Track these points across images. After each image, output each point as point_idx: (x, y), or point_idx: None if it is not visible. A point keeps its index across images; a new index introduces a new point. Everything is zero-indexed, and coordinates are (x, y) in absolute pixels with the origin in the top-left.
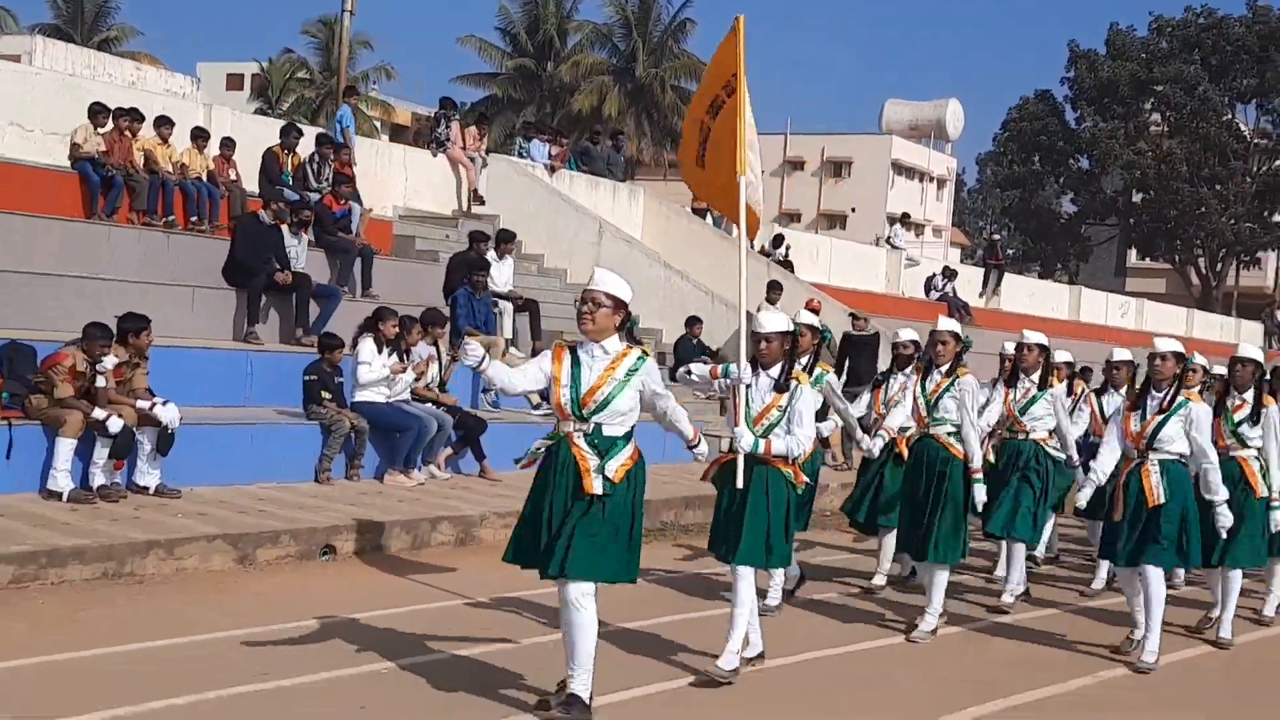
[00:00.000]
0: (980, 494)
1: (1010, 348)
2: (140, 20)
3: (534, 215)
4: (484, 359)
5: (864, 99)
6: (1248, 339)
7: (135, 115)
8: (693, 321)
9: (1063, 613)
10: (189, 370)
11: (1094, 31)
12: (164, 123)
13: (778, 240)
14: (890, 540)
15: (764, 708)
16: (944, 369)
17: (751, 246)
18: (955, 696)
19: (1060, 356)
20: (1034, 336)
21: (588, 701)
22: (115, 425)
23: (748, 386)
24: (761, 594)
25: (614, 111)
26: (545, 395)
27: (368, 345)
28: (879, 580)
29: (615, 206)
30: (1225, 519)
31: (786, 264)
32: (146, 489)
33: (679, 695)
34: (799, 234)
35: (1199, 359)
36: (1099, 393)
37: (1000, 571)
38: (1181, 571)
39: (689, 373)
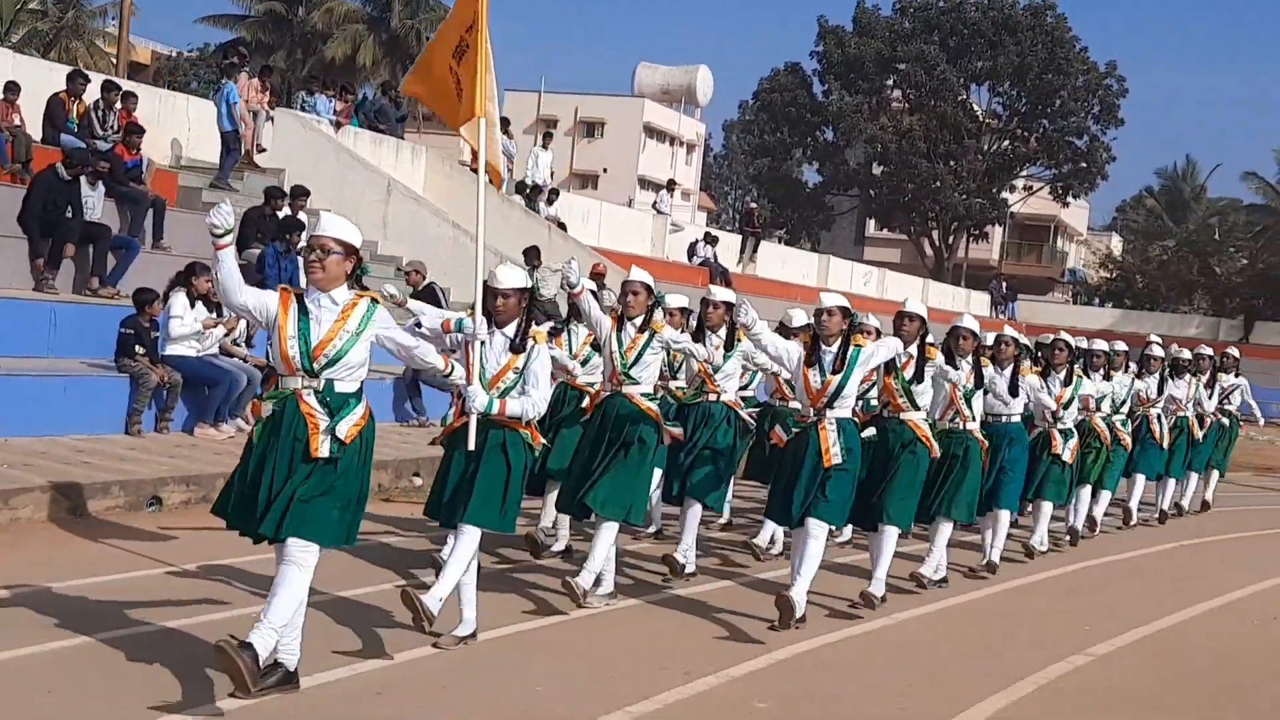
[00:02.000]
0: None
1: (721, 295)
2: None
3: (321, 172)
4: (227, 231)
5: (617, 61)
6: (976, 308)
7: None
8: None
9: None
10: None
11: (843, 8)
12: None
13: (553, 196)
14: (553, 497)
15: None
16: (638, 323)
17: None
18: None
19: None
20: (720, 294)
21: (293, 670)
22: None
23: (482, 344)
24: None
25: (369, 61)
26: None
27: (180, 300)
28: (560, 545)
29: (398, 164)
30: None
31: (560, 224)
32: None
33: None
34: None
35: (1009, 331)
36: None
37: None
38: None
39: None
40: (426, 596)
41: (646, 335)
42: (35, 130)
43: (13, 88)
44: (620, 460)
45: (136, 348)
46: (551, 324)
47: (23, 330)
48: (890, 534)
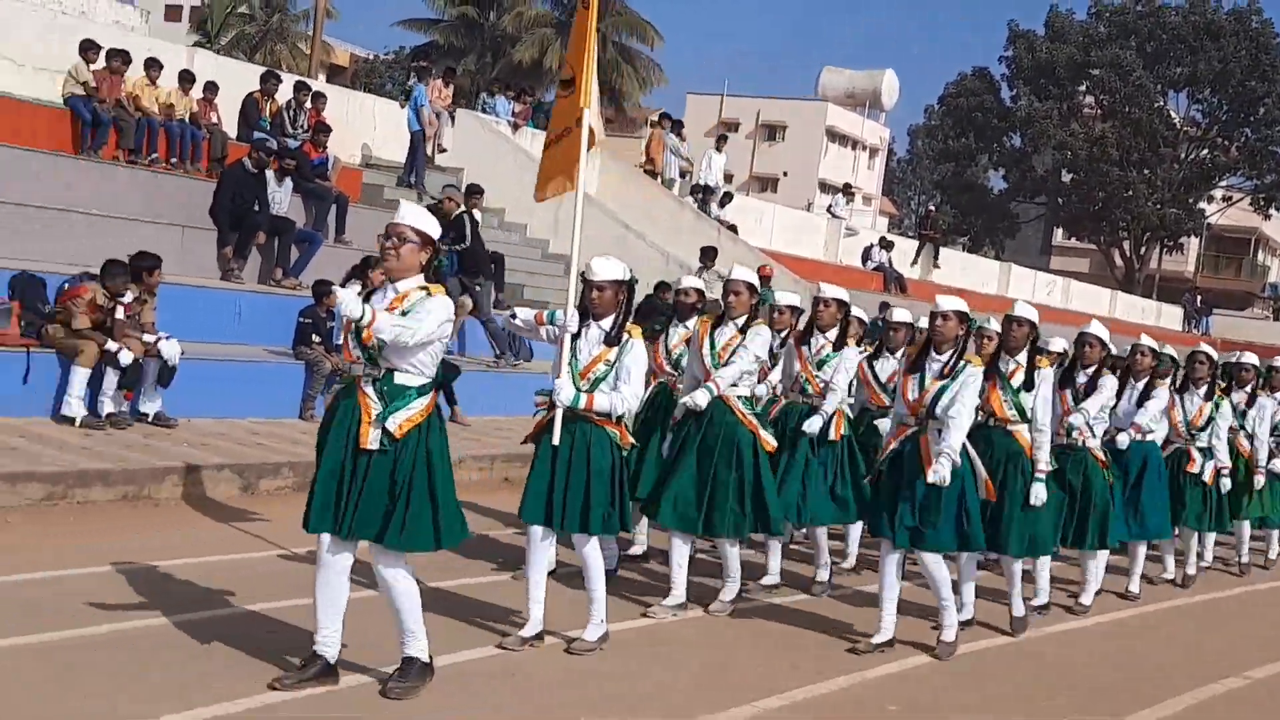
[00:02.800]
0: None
1: (787, 299)
2: None
3: (498, 171)
4: (362, 314)
5: (801, 65)
6: (1168, 322)
7: (124, 56)
8: (663, 286)
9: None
10: (184, 307)
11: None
12: (152, 65)
13: (725, 199)
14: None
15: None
16: (739, 323)
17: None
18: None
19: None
20: (831, 290)
21: (428, 660)
22: (126, 358)
23: (574, 337)
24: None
25: (555, 65)
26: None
27: (356, 291)
28: (638, 549)
29: None
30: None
31: (731, 227)
32: (146, 416)
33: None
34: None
35: (1146, 340)
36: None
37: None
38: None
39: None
40: (581, 640)
41: (744, 336)
42: (231, 128)
43: (211, 87)
44: (724, 474)
45: (313, 336)
46: (652, 325)
47: (210, 317)
48: (1014, 562)
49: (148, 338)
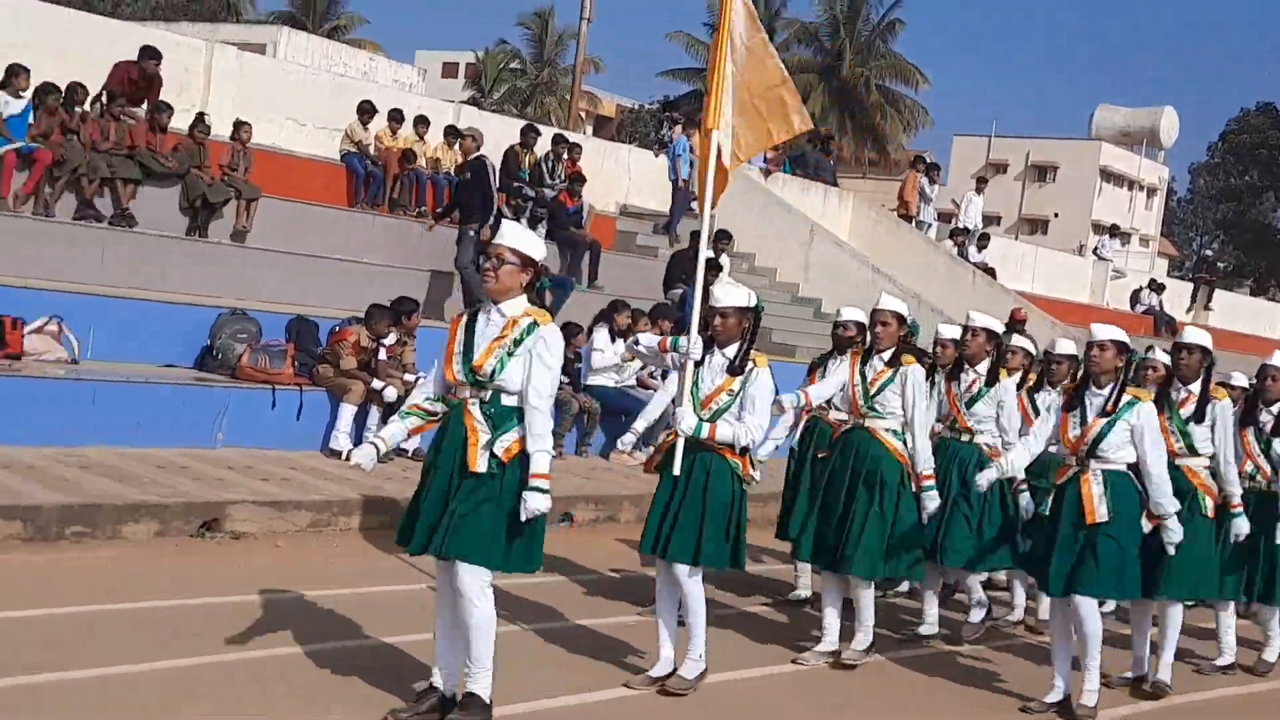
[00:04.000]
0: (931, 504)
1: (947, 332)
2: (363, 6)
3: (747, 216)
4: (377, 454)
5: (1073, 105)
6: None
7: (397, 116)
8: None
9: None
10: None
11: None
12: (421, 122)
13: (984, 242)
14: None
15: None
16: (886, 356)
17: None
18: None
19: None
20: (981, 319)
21: (488, 701)
22: (390, 395)
23: (697, 364)
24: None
25: (817, 110)
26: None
27: (602, 334)
28: (802, 592)
29: (825, 210)
30: (1174, 534)
31: (989, 270)
32: (406, 452)
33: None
34: (1000, 239)
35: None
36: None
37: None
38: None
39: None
40: (678, 677)
41: (894, 369)
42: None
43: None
44: (864, 510)
45: (562, 377)
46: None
47: None
48: (1172, 612)
49: (408, 377)
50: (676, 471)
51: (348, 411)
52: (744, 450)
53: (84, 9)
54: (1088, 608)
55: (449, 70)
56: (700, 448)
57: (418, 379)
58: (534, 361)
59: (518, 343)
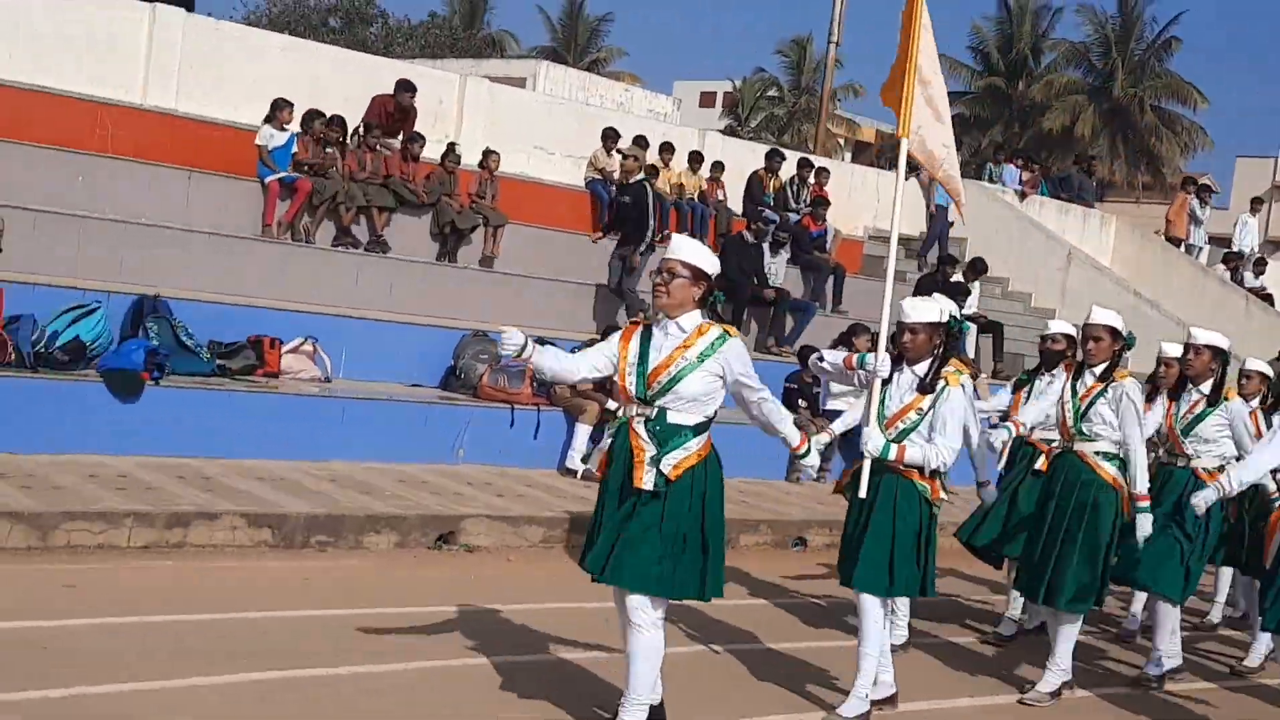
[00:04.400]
0: (1145, 526)
1: (1171, 350)
2: (624, 40)
3: (1000, 240)
4: (525, 346)
5: None
6: None
7: (641, 142)
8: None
9: (1220, 689)
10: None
11: None
12: (666, 149)
13: (1260, 266)
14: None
15: None
16: (1098, 371)
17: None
18: None
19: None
20: (1204, 336)
21: None
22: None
23: (885, 382)
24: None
25: (1086, 132)
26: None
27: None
28: (1006, 628)
29: (1085, 233)
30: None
31: (1265, 295)
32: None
33: None
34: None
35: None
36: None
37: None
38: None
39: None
40: (842, 709)
41: (1104, 385)
42: (736, 204)
43: (718, 167)
44: (1075, 540)
45: (800, 401)
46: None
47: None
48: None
49: None
50: (863, 494)
51: (583, 431)
52: (935, 473)
53: (356, 47)
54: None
55: (706, 100)
56: (887, 470)
57: None
58: (740, 379)
59: (704, 356)
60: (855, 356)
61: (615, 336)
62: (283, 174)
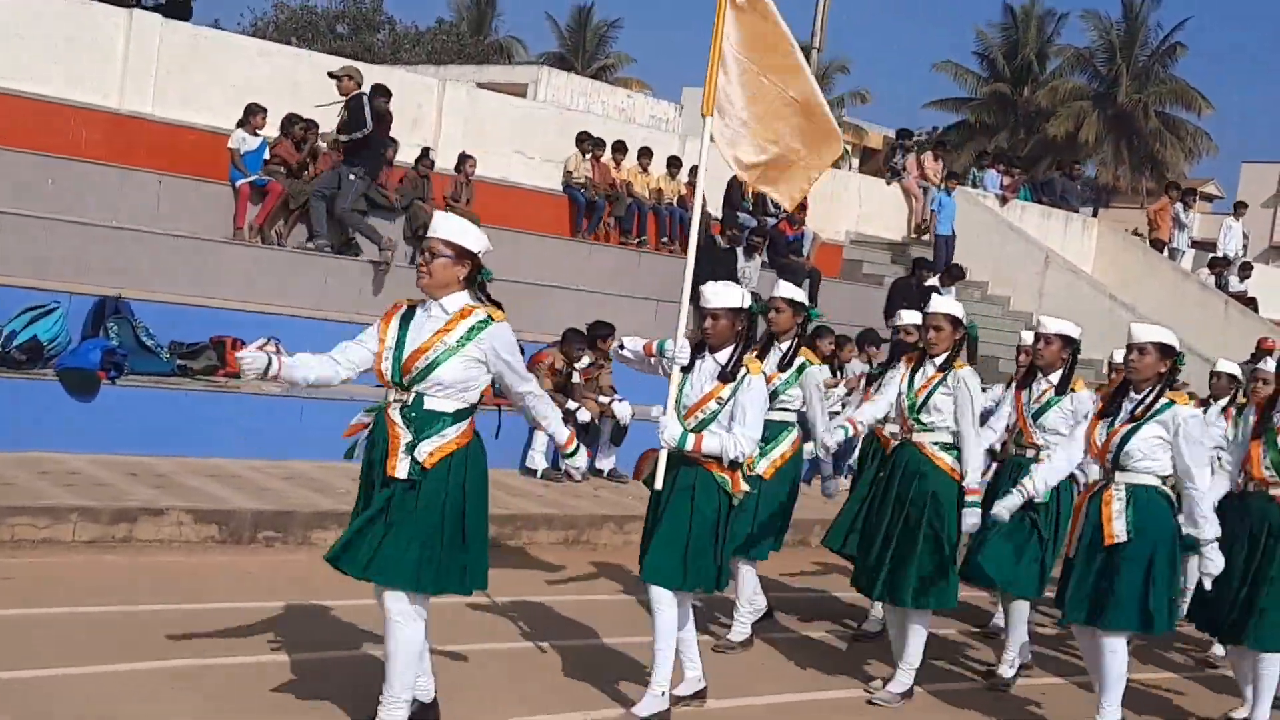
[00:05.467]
0: (971, 519)
1: (1028, 339)
2: (634, 47)
3: (980, 244)
4: (269, 366)
5: None
6: None
7: (619, 147)
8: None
9: (1068, 683)
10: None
11: None
12: (645, 154)
13: (1245, 270)
14: None
15: None
16: (939, 361)
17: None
18: None
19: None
20: (1054, 325)
21: None
22: (584, 416)
23: (686, 370)
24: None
25: (1090, 137)
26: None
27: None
28: (872, 625)
29: (1067, 237)
30: (1213, 565)
31: (1248, 300)
32: (602, 471)
33: None
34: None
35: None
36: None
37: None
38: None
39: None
40: (636, 708)
41: (943, 375)
42: (715, 209)
43: (694, 172)
44: (915, 533)
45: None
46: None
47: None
48: (1268, 663)
49: (603, 399)
50: (658, 486)
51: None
52: (734, 464)
53: (363, 54)
54: (1110, 644)
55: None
56: (686, 461)
57: (612, 400)
58: (501, 365)
59: (465, 341)
60: (654, 343)
61: (372, 329)
62: (254, 177)
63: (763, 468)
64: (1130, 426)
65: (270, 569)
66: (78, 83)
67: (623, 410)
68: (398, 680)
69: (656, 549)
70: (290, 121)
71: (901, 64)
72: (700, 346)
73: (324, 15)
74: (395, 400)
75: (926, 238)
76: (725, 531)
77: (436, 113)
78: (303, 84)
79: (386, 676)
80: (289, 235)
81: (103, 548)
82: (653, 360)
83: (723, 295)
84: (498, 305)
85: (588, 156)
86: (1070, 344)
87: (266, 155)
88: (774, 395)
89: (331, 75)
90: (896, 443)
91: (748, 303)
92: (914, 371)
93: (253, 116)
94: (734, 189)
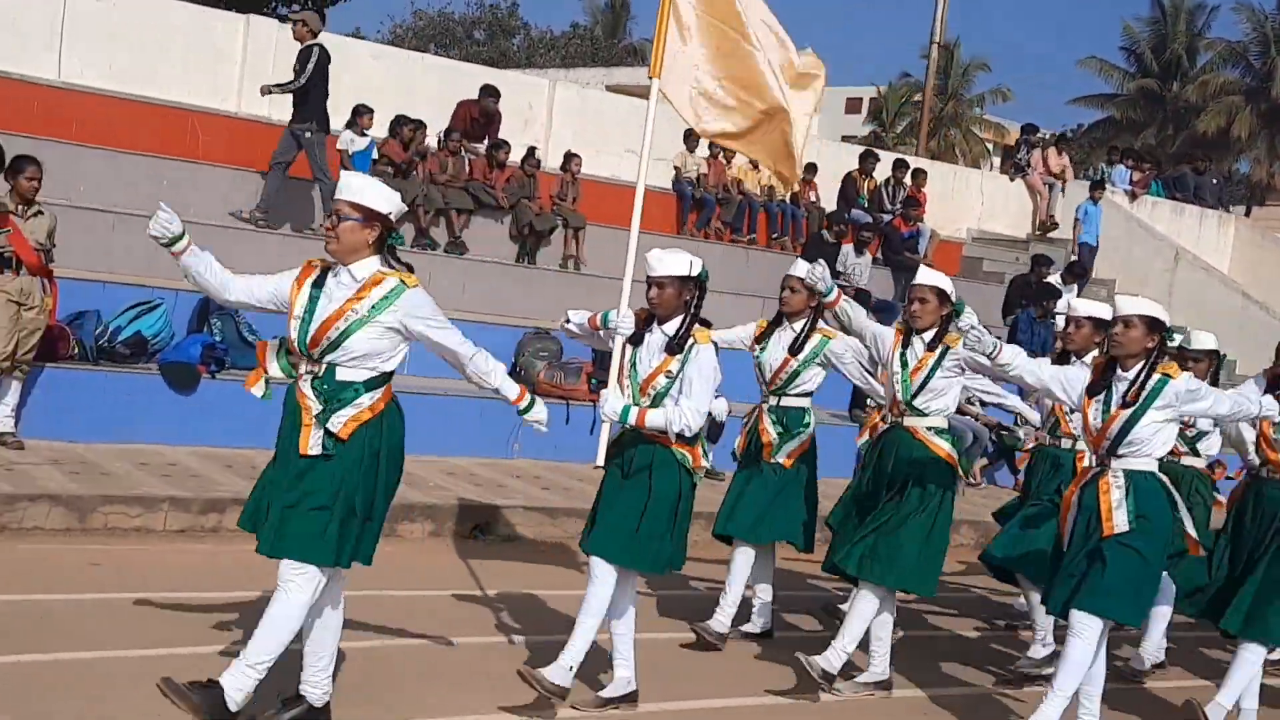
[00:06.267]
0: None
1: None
2: None
3: (1108, 240)
4: (181, 238)
5: None
6: None
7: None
8: None
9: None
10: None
11: None
12: None
13: None
14: None
15: None
16: (926, 338)
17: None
18: None
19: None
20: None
21: (234, 711)
22: (720, 412)
23: (635, 343)
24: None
25: (1244, 133)
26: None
27: None
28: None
29: (1201, 234)
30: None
31: None
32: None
33: None
34: None
35: None
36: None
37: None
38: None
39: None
40: (546, 670)
41: (938, 353)
42: (829, 205)
43: (811, 168)
44: (902, 516)
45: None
46: None
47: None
48: (1251, 649)
49: None
50: (599, 462)
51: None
52: (695, 439)
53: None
54: (1083, 627)
55: (852, 106)
56: (641, 439)
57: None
58: (425, 331)
59: (377, 309)
60: (599, 315)
61: (289, 276)
62: None
63: (781, 457)
64: (1130, 414)
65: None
66: (197, 88)
67: (718, 407)
68: (256, 647)
69: (605, 523)
70: (399, 122)
71: (1045, 61)
72: (650, 319)
73: (461, 21)
74: (306, 372)
75: (1054, 234)
76: (685, 511)
77: (547, 113)
78: (416, 86)
79: (252, 641)
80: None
81: (192, 537)
82: (601, 334)
83: (668, 263)
84: (410, 269)
85: (703, 155)
86: (1103, 327)
87: (375, 155)
88: (791, 379)
89: (286, 20)
90: (885, 426)
91: (695, 271)
92: (904, 349)
93: (359, 117)
94: (848, 185)
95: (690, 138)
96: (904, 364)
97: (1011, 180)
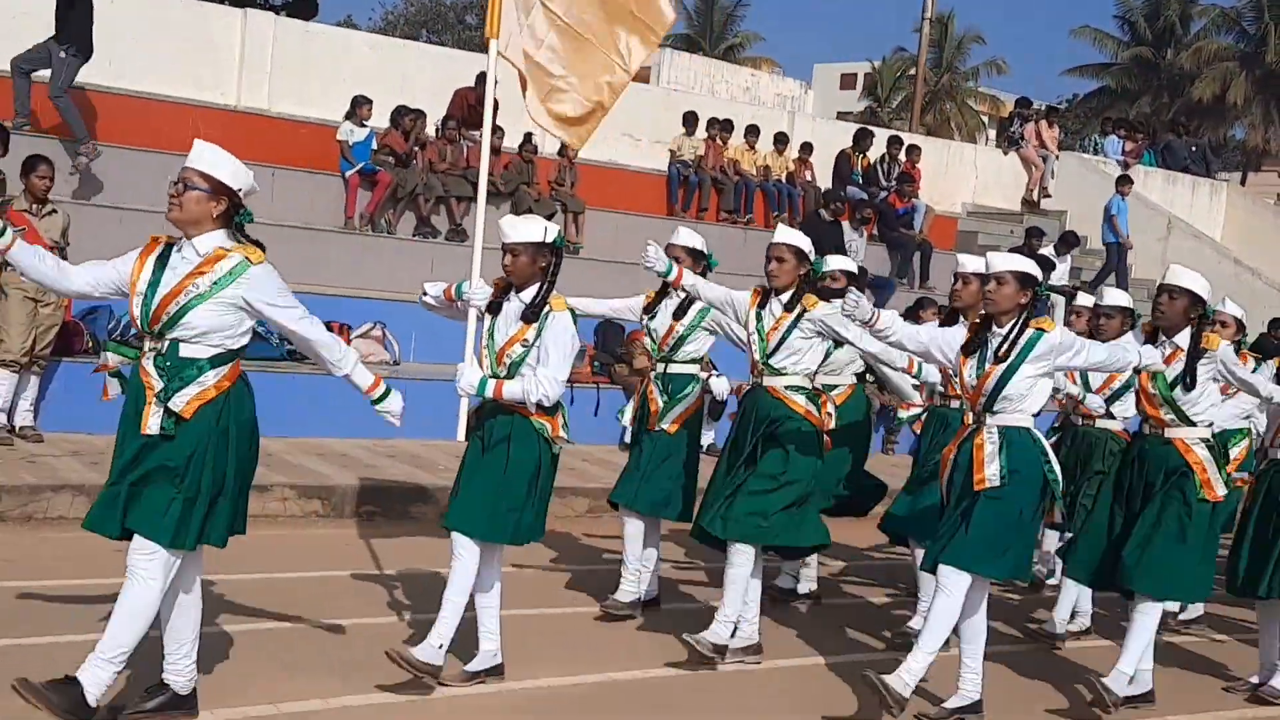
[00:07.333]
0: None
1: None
2: (762, 26)
3: (1101, 210)
4: (4, 233)
5: None
6: None
7: (726, 126)
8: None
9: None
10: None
11: None
12: (751, 131)
13: None
14: None
15: None
16: (784, 299)
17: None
18: None
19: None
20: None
21: (93, 705)
22: (721, 390)
23: (493, 313)
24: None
25: (1239, 99)
26: None
27: None
28: (804, 585)
29: (1194, 202)
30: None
31: None
32: (701, 448)
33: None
34: None
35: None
36: None
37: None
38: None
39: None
40: (417, 650)
41: (794, 315)
42: (825, 183)
43: (807, 148)
44: (752, 473)
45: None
46: None
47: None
48: (1145, 612)
49: (700, 374)
50: (460, 436)
51: None
52: (554, 409)
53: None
54: (951, 582)
55: (847, 82)
56: (500, 410)
57: (710, 376)
58: (267, 311)
59: (219, 285)
60: (454, 286)
61: (135, 253)
62: (360, 165)
63: (666, 423)
64: (1004, 369)
65: (368, 543)
66: (197, 82)
67: (720, 385)
68: (111, 639)
69: (464, 496)
70: (400, 113)
71: (1038, 32)
72: (508, 288)
73: (452, 7)
74: (150, 349)
75: (1047, 205)
76: (545, 482)
77: None
78: (411, 75)
79: (106, 634)
80: (398, 223)
81: None
82: (457, 305)
83: (522, 229)
84: (259, 245)
85: (702, 137)
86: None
87: (374, 145)
88: (677, 344)
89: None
90: (746, 388)
91: (551, 237)
92: (760, 309)
93: (359, 108)
94: (842, 163)
95: (689, 122)
96: (760, 324)
97: (1005, 154)
